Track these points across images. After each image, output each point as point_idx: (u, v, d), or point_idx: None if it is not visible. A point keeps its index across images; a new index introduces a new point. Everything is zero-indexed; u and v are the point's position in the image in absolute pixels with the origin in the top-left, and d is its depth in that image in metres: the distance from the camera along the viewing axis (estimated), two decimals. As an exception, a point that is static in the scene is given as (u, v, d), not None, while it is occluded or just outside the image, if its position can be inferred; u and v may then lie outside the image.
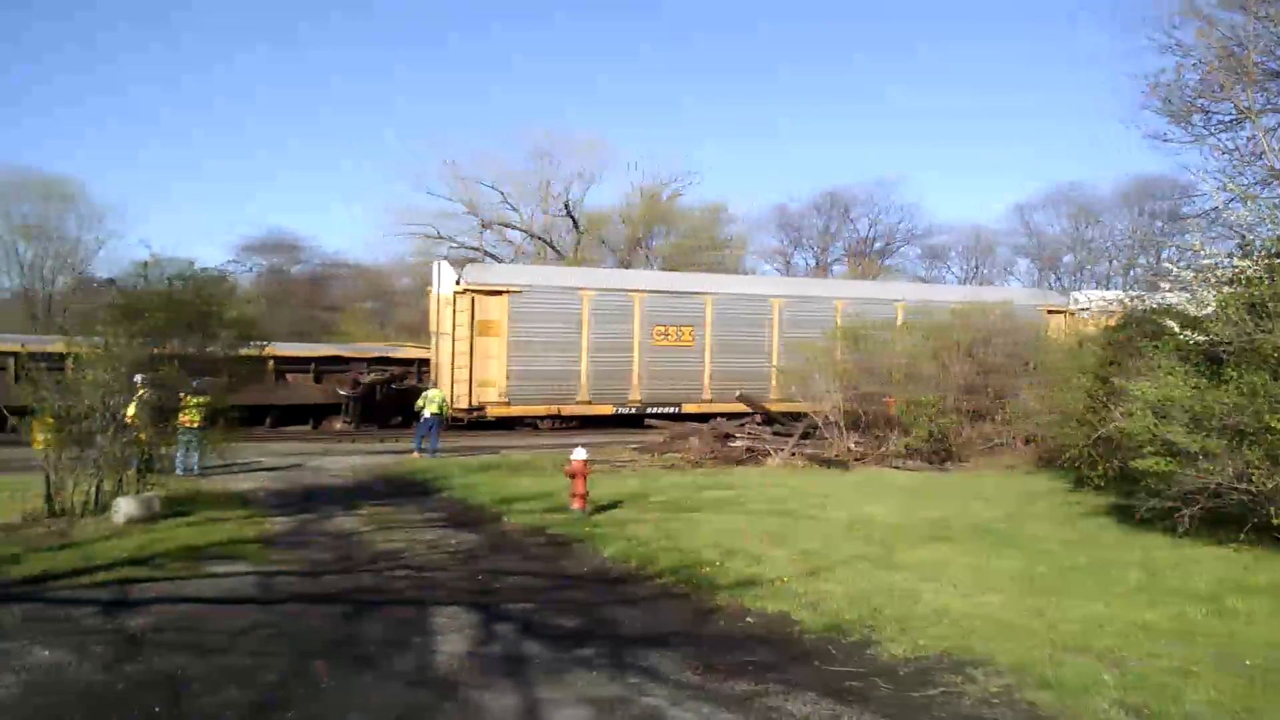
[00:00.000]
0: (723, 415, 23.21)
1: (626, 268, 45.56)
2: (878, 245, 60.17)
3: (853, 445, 18.28)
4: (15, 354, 22.06)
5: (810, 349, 21.04)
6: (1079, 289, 40.15)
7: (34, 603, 7.20)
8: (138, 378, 11.26)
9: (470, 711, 4.93)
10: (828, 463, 17.43)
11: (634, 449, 20.07)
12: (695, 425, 21.21)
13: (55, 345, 12.88)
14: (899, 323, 23.25)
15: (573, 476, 11.57)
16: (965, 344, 19.94)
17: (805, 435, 18.88)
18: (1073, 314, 26.72)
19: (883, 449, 18.11)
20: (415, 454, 19.67)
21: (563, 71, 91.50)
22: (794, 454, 17.94)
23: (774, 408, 22.26)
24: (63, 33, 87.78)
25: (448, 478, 15.34)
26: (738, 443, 19.03)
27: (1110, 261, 54.67)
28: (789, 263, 60.67)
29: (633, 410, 28.44)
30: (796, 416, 19.98)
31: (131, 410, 11.14)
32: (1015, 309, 22.39)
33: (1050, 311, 27.88)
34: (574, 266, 41.18)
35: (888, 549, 9.41)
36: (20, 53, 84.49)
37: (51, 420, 10.90)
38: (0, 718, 4.82)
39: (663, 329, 29.06)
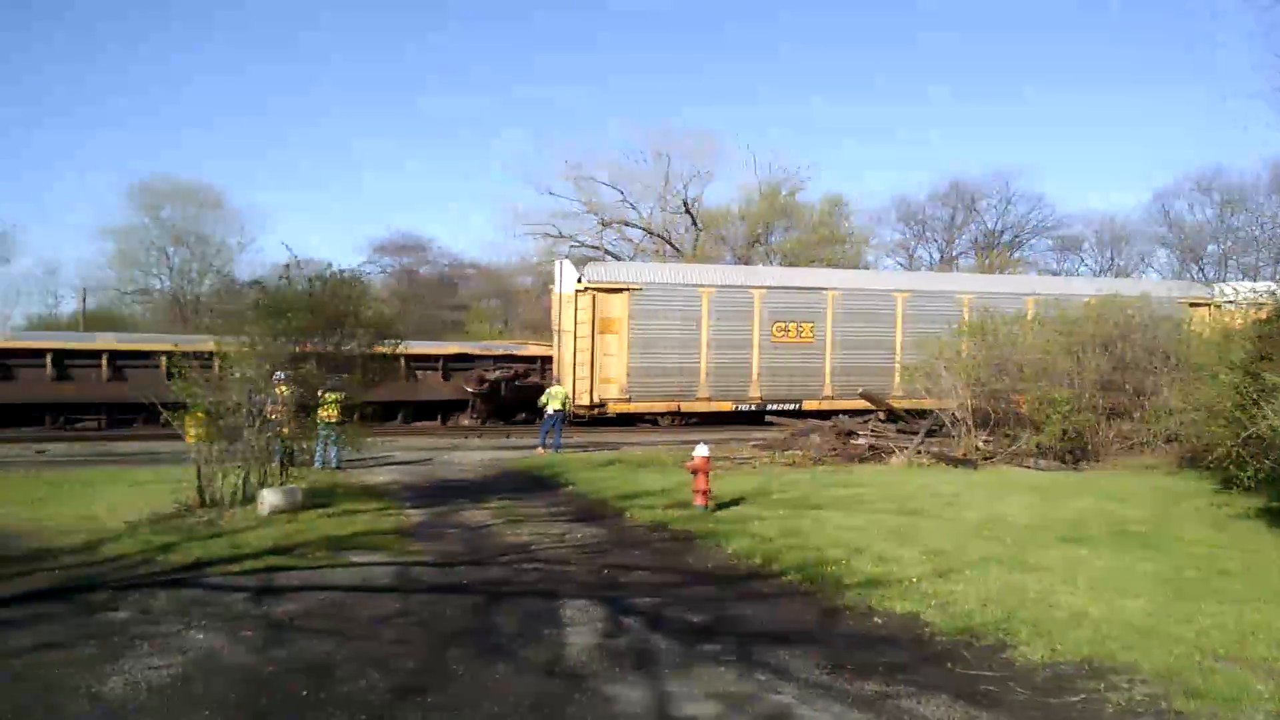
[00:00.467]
0: (844, 412, 22.89)
1: (745, 264, 45.34)
2: (1005, 237, 58.22)
3: (981, 443, 17.80)
4: (169, 352, 23.46)
5: (935, 345, 20.52)
6: (1224, 280, 38.09)
7: (190, 588, 7.62)
8: (278, 375, 11.81)
9: (601, 702, 5.01)
10: (955, 461, 17.01)
11: (754, 446, 19.98)
12: (816, 422, 20.98)
13: (204, 344, 13.61)
14: (1029, 317, 22.46)
15: (695, 473, 11.60)
16: (1101, 339, 19.15)
17: (931, 433, 18.48)
18: (1218, 307, 25.34)
19: (1013, 447, 17.57)
20: (539, 450, 20.04)
21: (681, 69, 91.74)
22: (919, 452, 17.57)
23: (898, 405, 21.83)
24: (208, 47, 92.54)
25: (571, 473, 15.58)
26: (860, 440, 18.74)
27: (1259, 251, 51.62)
28: (912, 256, 59.32)
29: (752, 407, 28.32)
30: (921, 414, 19.57)
31: (276, 406, 11.69)
32: (1155, 302, 21.40)
33: (1193, 304, 26.49)
34: (693, 264, 41.21)
35: (1021, 550, 9.13)
36: (170, 68, 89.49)
37: (202, 415, 11.52)
38: (164, 696, 5.12)
39: (782, 325, 28.84)
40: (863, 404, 23.03)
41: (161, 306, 52.49)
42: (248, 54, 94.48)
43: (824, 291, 29.31)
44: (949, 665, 5.75)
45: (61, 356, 25.43)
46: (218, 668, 5.62)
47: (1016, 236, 58.27)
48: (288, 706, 4.94)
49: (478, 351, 31.07)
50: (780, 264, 46.89)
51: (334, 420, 14.04)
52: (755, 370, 28.56)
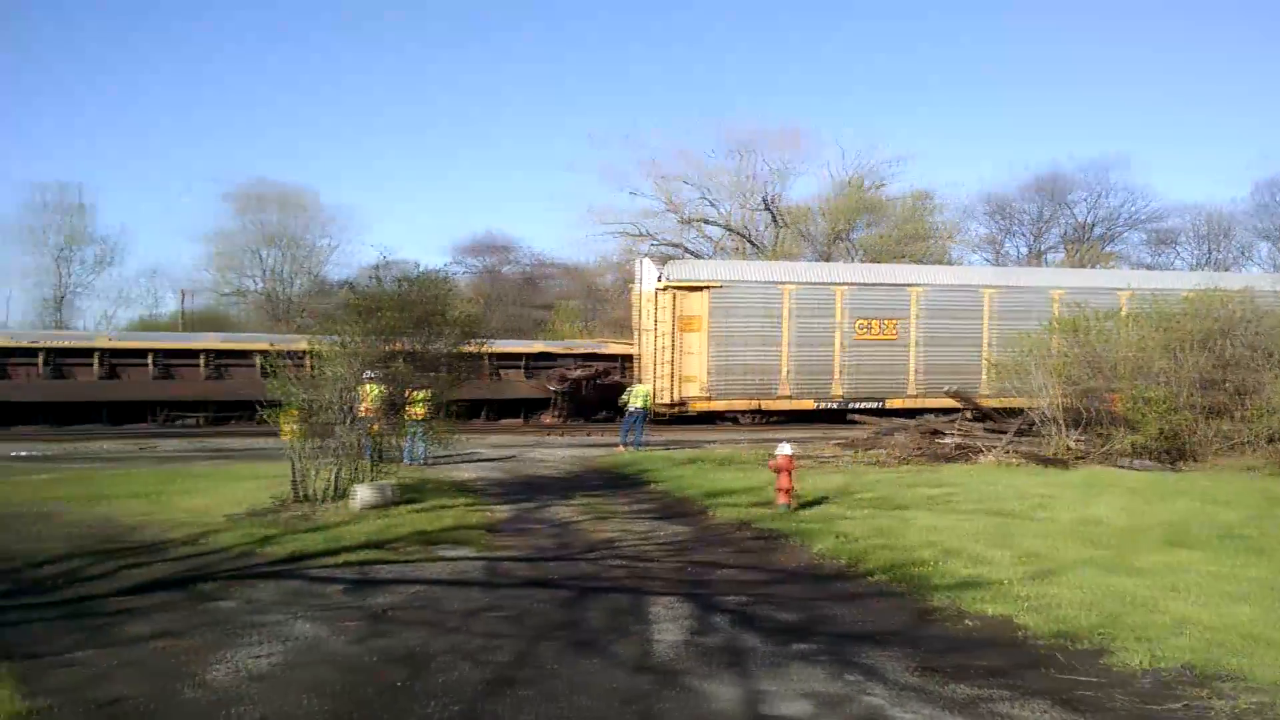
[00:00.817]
0: (930, 411, 22.60)
1: (827, 261, 44.92)
2: (1098, 230, 56.54)
3: (1073, 443, 17.35)
4: (265, 352, 24.30)
5: (1025, 341, 20.07)
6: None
7: (291, 580, 7.89)
8: (367, 374, 12.12)
9: (693, 699, 5.05)
10: (1046, 461, 16.62)
11: (837, 445, 19.82)
12: (901, 421, 20.73)
13: (298, 344, 14.04)
14: (1123, 313, 21.81)
15: (778, 471, 11.57)
16: (1201, 334, 18.50)
17: (1021, 432, 18.09)
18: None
19: (1106, 447, 17.08)
20: (621, 447, 20.17)
21: (762, 64, 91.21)
22: (1009, 451, 17.22)
23: (986, 403, 21.43)
24: (301, 57, 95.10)
25: (654, 471, 15.67)
26: (947, 439, 18.45)
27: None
28: (1000, 251, 57.93)
29: (835, 405, 28.10)
30: (1011, 412, 19.17)
31: (365, 404, 12.01)
32: (1259, 296, 20.59)
33: (1300, 299, 25.45)
34: (774, 261, 41.00)
35: (1118, 553, 8.91)
36: (267, 76, 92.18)
37: (296, 413, 11.89)
38: (272, 683, 5.32)
39: (866, 322, 28.56)
40: (949, 402, 22.66)
41: (256, 307, 54.13)
42: (338, 59, 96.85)
43: (909, 288, 28.93)
44: (1045, 670, 5.65)
45: (164, 356, 26.50)
46: (320, 656, 5.81)
47: (1109, 230, 56.57)
48: (387, 695, 5.09)
49: (560, 350, 31.41)
50: (863, 260, 46.32)
51: (422, 418, 14.34)
52: (837, 368, 28.33)
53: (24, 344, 25.72)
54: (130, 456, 18.29)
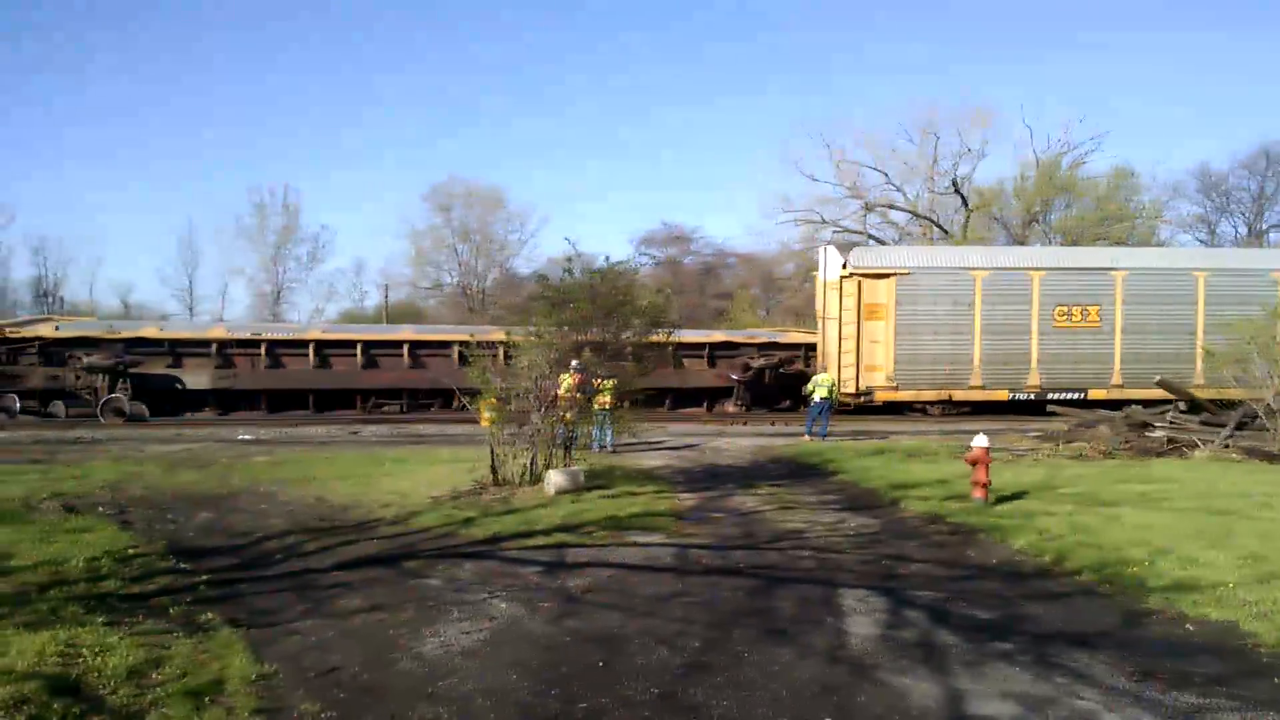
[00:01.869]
0: (1136, 402, 21.23)
1: (1021, 245, 42.90)
2: (1327, 205, 51.59)
3: (1302, 439, 15.92)
4: (464, 342, 25.52)
5: (1245, 328, 18.54)
6: None
7: (489, 560, 8.23)
8: (574, 364, 12.49)
9: (890, 695, 4.96)
10: (1270, 457, 15.32)
11: (1034, 437, 18.96)
12: (1105, 413, 19.58)
13: (493, 334, 14.59)
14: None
15: (974, 464, 11.15)
16: None
17: (1240, 425, 16.73)
18: None
19: (1342, 444, 15.60)
20: (805, 437, 19.97)
21: (948, 42, 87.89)
22: (1227, 446, 15.98)
23: (1199, 394, 19.94)
24: (489, 57, 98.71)
25: (839, 461, 15.42)
26: (1156, 432, 17.30)
27: None
28: (1213, 231, 53.84)
29: (1030, 396, 26.86)
30: (1228, 405, 17.78)
31: (563, 392, 12.38)
32: None
33: None
34: (963, 246, 39.50)
35: (1359, 559, 8.12)
36: (465, 79, 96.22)
37: (494, 401, 12.38)
38: (476, 658, 5.57)
39: (1064, 309, 27.12)
40: (1157, 393, 21.23)
41: (451, 300, 56.63)
42: (524, 57, 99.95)
43: (1111, 272, 27.25)
44: (1276, 680, 5.23)
45: (369, 347, 28.13)
46: (520, 635, 6.04)
47: (1342, 204, 51.48)
48: (585, 674, 5.24)
49: (742, 339, 31.35)
50: (1060, 244, 43.97)
51: (609, 406, 14.64)
52: (1034, 357, 27.04)
53: (247, 336, 27.84)
54: (338, 441, 19.52)
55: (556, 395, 12.01)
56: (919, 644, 5.84)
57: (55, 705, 4.53)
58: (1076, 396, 26.26)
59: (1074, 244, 41.41)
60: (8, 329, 26.41)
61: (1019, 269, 27.39)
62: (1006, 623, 6.40)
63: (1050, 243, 45.03)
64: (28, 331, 26.23)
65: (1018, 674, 5.29)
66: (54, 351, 25.77)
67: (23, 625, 5.75)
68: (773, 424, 25.22)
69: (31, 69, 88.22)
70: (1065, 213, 48.81)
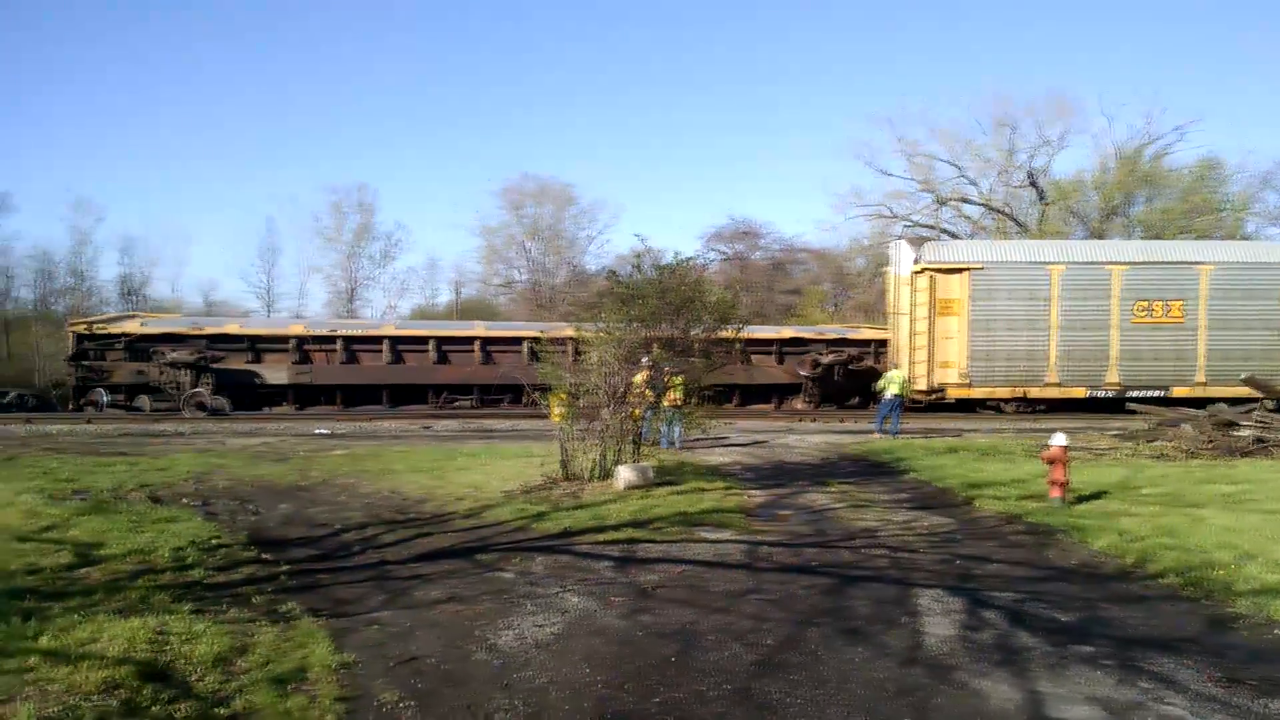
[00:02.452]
0: (1221, 400, 20.60)
1: (1099, 239, 41.83)
2: None
3: (1402, 439, 15.29)
4: (535, 339, 25.79)
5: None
6: None
7: (561, 554, 8.30)
8: (645, 360, 12.53)
9: (969, 696, 4.88)
10: (1366, 458, 14.75)
11: (1114, 436, 18.51)
12: (1189, 411, 19.03)
13: (564, 331, 14.70)
14: None
15: (1051, 463, 10.92)
16: None
17: (1335, 425, 16.13)
18: None
19: None
20: (876, 434, 19.76)
21: (1025, 30, 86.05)
22: (1320, 447, 15.41)
23: (1291, 392, 19.26)
24: (560, 55, 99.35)
25: (911, 459, 15.23)
26: (1244, 431, 16.74)
27: None
28: (1310, 225, 51.63)
29: (1109, 394, 26.26)
30: (1322, 404, 17.16)
31: (638, 380, 12.44)
32: None
33: None
34: (1039, 240, 38.66)
35: None
36: (540, 77, 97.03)
37: (565, 396, 12.47)
38: (550, 651, 5.62)
39: (1145, 304, 26.45)
40: (1244, 391, 20.57)
41: (522, 297, 57.14)
42: (590, 53, 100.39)
43: (1196, 266, 26.49)
44: (1374, 689, 5.04)
45: (441, 343, 28.56)
46: (593, 629, 6.08)
47: None
48: (659, 669, 5.25)
49: (811, 335, 31.11)
50: (1142, 237, 42.74)
51: (678, 402, 14.64)
52: (1113, 354, 26.42)
53: (324, 332, 28.46)
54: (411, 435, 19.86)
55: (627, 391, 12.05)
56: (998, 646, 5.75)
57: (146, 690, 4.68)
58: (1158, 394, 25.59)
59: (1156, 238, 40.20)
60: (96, 325, 27.36)
61: (1098, 263, 26.78)
62: (1088, 625, 6.26)
63: (1131, 236, 43.79)
64: (115, 328, 27.14)
65: (1101, 678, 5.18)
66: (140, 347, 26.64)
67: (115, 612, 5.95)
68: (842, 421, 25.01)
69: (121, 71, 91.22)
70: (1147, 206, 47.43)
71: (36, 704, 4.43)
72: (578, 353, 13.39)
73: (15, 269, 50.53)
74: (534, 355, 24.86)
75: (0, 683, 4.68)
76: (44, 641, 5.33)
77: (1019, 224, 46.92)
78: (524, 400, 26.06)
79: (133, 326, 27.30)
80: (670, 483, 12.06)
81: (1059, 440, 10.88)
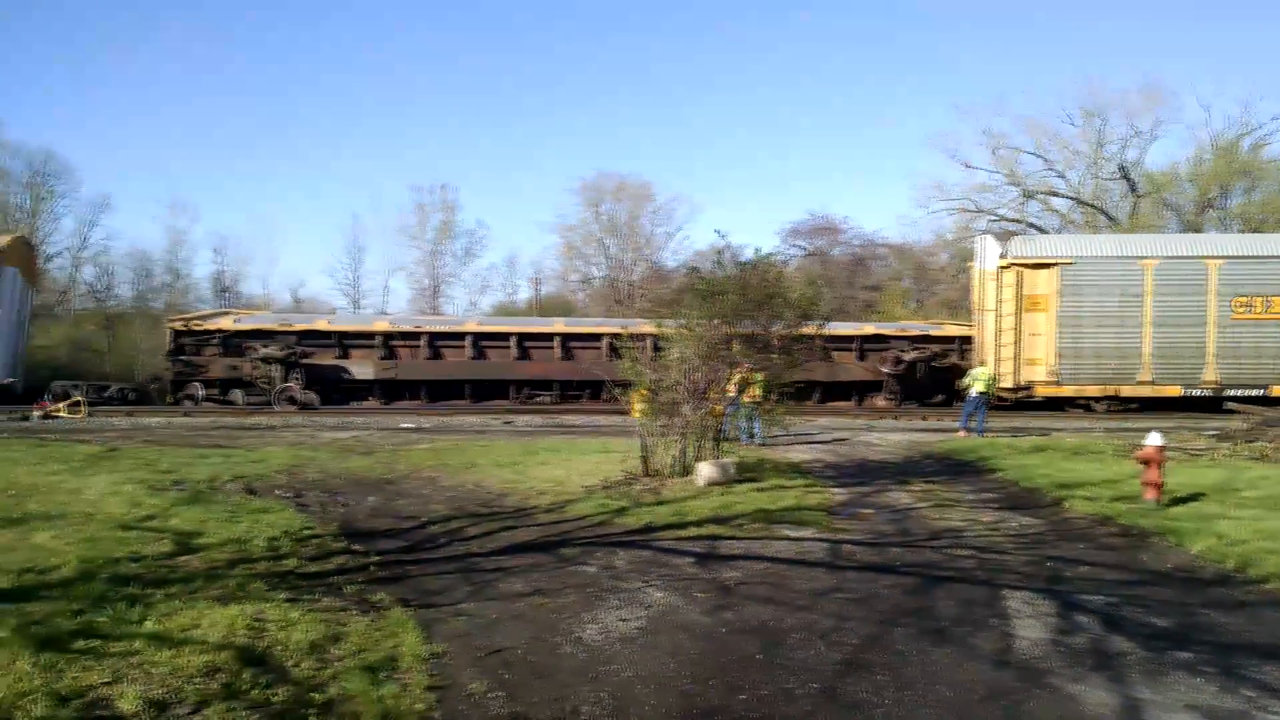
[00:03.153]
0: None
1: (1195, 232, 40.39)
2: None
3: None
4: (615, 334, 25.94)
5: None
6: None
7: (643, 549, 8.33)
8: (745, 363, 12.52)
9: (1063, 702, 4.77)
10: None
11: (1211, 436, 17.89)
12: (1293, 411, 18.30)
13: (643, 327, 14.75)
14: None
15: (1146, 463, 10.60)
16: None
17: None
18: None
19: None
20: (961, 433, 19.41)
21: (1114, 18, 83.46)
22: None
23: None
24: (635, 50, 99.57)
25: (997, 458, 14.93)
26: (1352, 432, 16.04)
27: None
28: None
29: (1206, 392, 25.36)
30: None
31: (735, 379, 12.46)
32: None
33: None
34: (1131, 234, 37.49)
35: None
36: (607, 71, 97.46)
37: (646, 392, 12.50)
38: (635, 645, 5.66)
39: (1245, 300, 25.49)
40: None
41: (599, 293, 57.48)
42: (667, 49, 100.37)
43: (1299, 260, 25.42)
44: None
45: (522, 339, 28.90)
46: (676, 624, 6.09)
47: None
48: (743, 666, 5.24)
49: (893, 332, 30.70)
50: (1240, 230, 41.14)
51: (759, 399, 14.57)
52: (1209, 351, 25.51)
53: (409, 328, 29.03)
54: (493, 430, 20.13)
55: (709, 387, 12.04)
56: (1092, 650, 5.60)
57: (245, 674, 4.83)
58: (1257, 393, 24.65)
59: (1255, 231, 38.65)
60: (193, 322, 28.33)
61: (1194, 257, 25.88)
62: (1186, 631, 6.06)
63: (1228, 229, 42.20)
64: (210, 324, 28.08)
65: (1201, 685, 5.01)
66: (233, 343, 27.51)
67: (214, 599, 6.16)
68: (924, 419, 24.62)
69: (214, 75, 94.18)
70: (1245, 197, 45.65)
71: (142, 686, 4.61)
72: (656, 349, 13.40)
73: (116, 268, 52.69)
74: (613, 351, 25.02)
75: (109, 665, 4.88)
76: (149, 626, 5.53)
77: (1109, 217, 45.57)
78: (602, 396, 26.37)
79: (227, 323, 28.20)
80: (751, 479, 12.02)
81: (1154, 440, 10.56)
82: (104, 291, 51.42)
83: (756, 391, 14.20)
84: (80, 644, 5.15)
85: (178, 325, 27.97)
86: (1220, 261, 25.63)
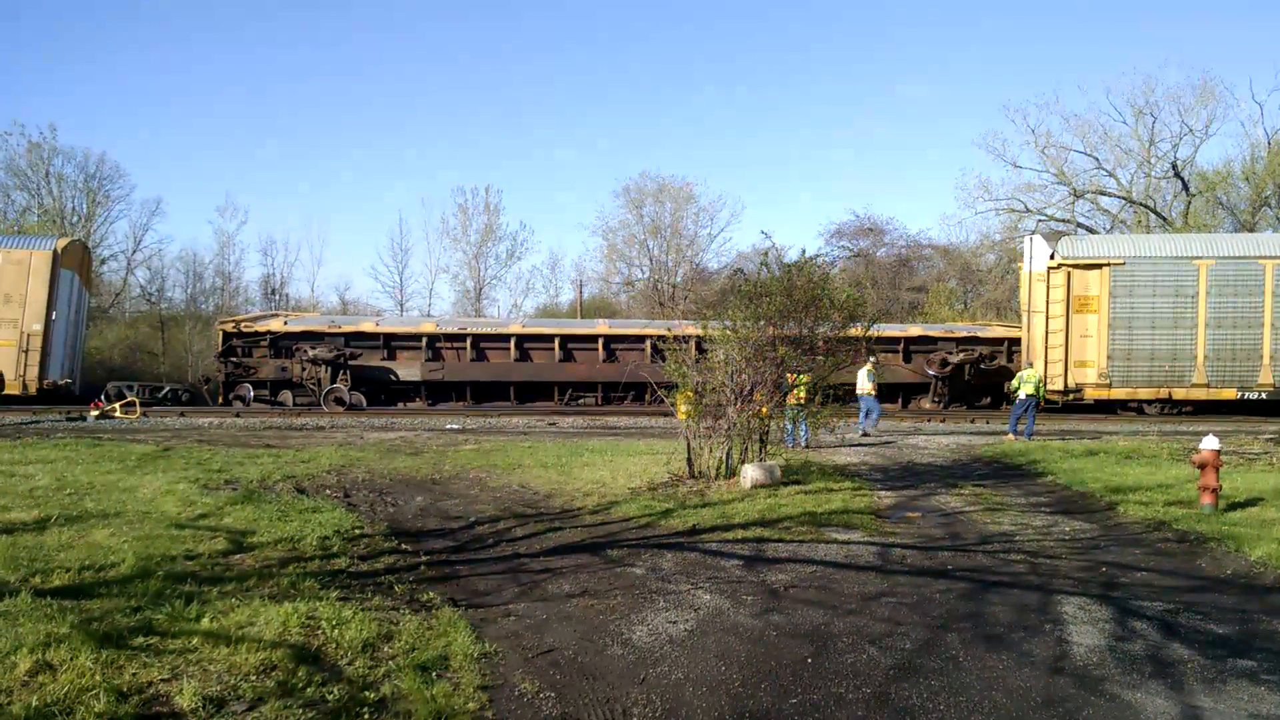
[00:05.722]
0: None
1: (1250, 231, 39.53)
2: None
3: None
4: (660, 336, 25.95)
5: None
6: None
7: (689, 551, 8.31)
8: (797, 371, 12.49)
9: (1121, 710, 4.68)
10: None
11: (1268, 439, 17.52)
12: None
13: (687, 329, 14.72)
14: None
15: (1202, 467, 10.38)
16: None
17: None
18: None
19: None
20: (1010, 436, 19.16)
21: (1165, 13, 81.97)
22: None
23: None
24: (677, 53, 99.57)
25: (1048, 462, 14.72)
26: None
27: None
28: None
29: (1263, 395, 24.84)
30: None
31: (797, 384, 12.45)
32: None
33: None
34: (1184, 233, 36.78)
35: None
36: (647, 72, 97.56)
37: (691, 394, 12.48)
38: (684, 647, 5.65)
39: (1304, 300, 24.88)
40: None
41: (642, 295, 57.48)
42: (708, 51, 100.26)
43: (1360, 259, 24.79)
44: None
45: (566, 341, 29.01)
46: (725, 627, 6.07)
47: None
48: (793, 670, 5.22)
49: (939, 334, 30.38)
50: (1299, 229, 40.20)
51: (804, 401, 14.49)
52: (1266, 353, 24.97)
53: (454, 330, 29.27)
54: (538, 431, 20.22)
55: (754, 390, 11.98)
56: (1149, 657, 5.50)
57: (300, 672, 4.89)
58: (1318, 396, 24.05)
59: (1314, 230, 37.78)
60: (243, 324, 28.78)
61: (1249, 257, 25.35)
62: (1246, 639, 5.93)
63: (1286, 229, 41.26)
64: (260, 326, 28.51)
65: (1264, 694, 4.90)
66: (282, 345, 27.91)
67: (267, 597, 6.25)
68: (972, 421, 24.33)
69: (258, 80, 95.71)
70: (1303, 196, 44.59)
71: (199, 683, 4.69)
72: (700, 350, 13.37)
73: (167, 270, 53.67)
74: (656, 353, 25.01)
75: (167, 662, 4.97)
76: (205, 624, 5.62)
77: (1161, 217, 44.74)
78: (646, 398, 26.40)
79: (276, 325, 28.61)
80: (796, 482, 11.96)
81: (1210, 444, 10.35)
82: (156, 294, 52.40)
83: (801, 393, 14.12)
84: (139, 640, 5.24)
85: (228, 327, 28.45)
86: (1276, 262, 25.07)
